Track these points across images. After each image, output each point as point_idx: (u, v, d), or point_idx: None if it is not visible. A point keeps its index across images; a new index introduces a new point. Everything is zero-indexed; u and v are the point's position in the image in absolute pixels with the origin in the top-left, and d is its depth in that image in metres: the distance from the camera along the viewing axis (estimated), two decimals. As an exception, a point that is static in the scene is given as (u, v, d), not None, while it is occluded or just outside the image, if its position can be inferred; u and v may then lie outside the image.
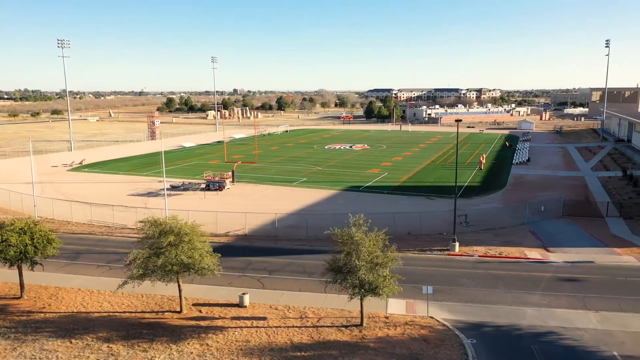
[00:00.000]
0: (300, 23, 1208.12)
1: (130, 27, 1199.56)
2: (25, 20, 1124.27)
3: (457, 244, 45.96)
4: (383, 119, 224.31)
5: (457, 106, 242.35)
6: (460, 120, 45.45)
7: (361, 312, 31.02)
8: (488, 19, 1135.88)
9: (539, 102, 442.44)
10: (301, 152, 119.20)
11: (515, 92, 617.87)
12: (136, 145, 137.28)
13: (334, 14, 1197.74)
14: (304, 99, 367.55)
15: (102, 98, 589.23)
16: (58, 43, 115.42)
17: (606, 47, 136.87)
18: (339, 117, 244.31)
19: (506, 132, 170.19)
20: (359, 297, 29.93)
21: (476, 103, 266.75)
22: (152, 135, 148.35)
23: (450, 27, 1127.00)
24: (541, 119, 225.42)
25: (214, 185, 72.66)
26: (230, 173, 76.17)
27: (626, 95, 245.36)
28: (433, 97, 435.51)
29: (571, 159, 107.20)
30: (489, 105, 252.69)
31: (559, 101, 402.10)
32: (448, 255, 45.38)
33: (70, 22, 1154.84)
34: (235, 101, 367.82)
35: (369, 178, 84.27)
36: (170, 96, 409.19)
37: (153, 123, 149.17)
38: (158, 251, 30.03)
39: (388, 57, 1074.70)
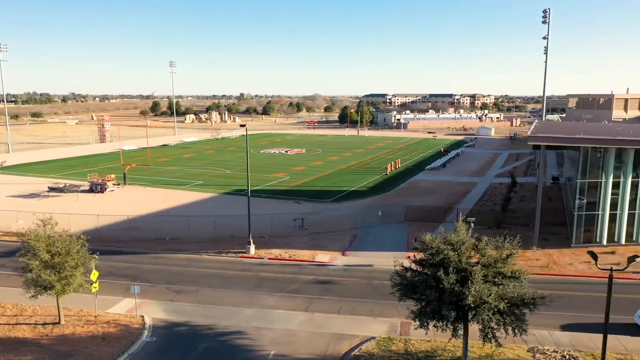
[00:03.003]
0: (306, 27, 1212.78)
1: (139, 31, 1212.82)
2: (31, 23, 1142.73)
3: (252, 246, 46.93)
4: (355, 123, 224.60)
5: (428, 112, 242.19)
6: (244, 125, 46.35)
7: (58, 310, 32.16)
8: (493, 22, 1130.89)
9: (533, 108, 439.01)
10: (231, 156, 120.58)
11: (516, 97, 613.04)
12: (82, 147, 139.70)
13: (338, 16, 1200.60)
14: (290, 104, 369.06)
15: (107, 101, 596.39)
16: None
17: (544, 53, 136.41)
18: (321, 122, 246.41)
19: (460, 137, 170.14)
20: (53, 296, 31.03)
21: (452, 109, 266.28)
22: (102, 138, 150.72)
23: (455, 30, 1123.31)
24: (512, 125, 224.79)
25: (97, 188, 74.15)
26: (113, 176, 77.65)
27: (600, 102, 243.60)
28: (428, 102, 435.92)
29: (490, 164, 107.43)
30: (461, 111, 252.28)
31: (550, 107, 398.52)
32: (241, 257, 46.39)
33: (76, 22, 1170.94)
34: (225, 105, 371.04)
35: (265, 182, 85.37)
36: (156, 100, 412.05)
37: (103, 126, 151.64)
38: None
39: (392, 61, 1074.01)
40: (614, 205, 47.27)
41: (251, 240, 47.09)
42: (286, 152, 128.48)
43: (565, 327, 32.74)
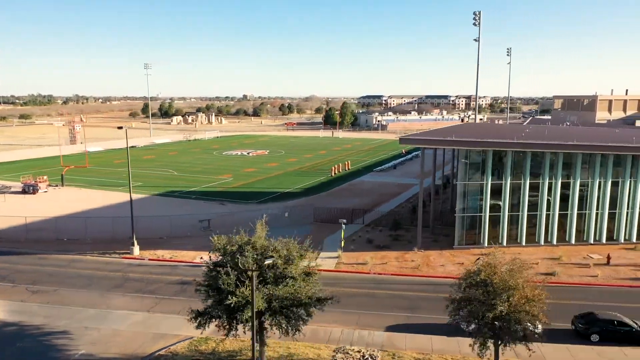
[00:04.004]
0: (305, 29, 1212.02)
1: (144, 33, 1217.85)
2: (39, 25, 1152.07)
3: (136, 247, 47.48)
4: (336, 125, 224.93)
5: (410, 113, 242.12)
6: (121, 127, 46.81)
7: None
8: (495, 23, 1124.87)
9: (530, 110, 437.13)
10: (191, 157, 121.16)
11: (517, 99, 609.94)
12: (50, 149, 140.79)
13: (338, 17, 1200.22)
14: (282, 105, 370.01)
15: (108, 103, 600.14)
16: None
17: (507, 55, 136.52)
18: (303, 124, 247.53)
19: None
20: None
21: (436, 111, 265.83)
22: (73, 140, 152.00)
23: (456, 32, 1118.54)
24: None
25: (29, 189, 74.99)
26: (45, 177, 78.49)
27: (585, 103, 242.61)
28: (424, 103, 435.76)
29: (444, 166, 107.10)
30: (444, 112, 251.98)
31: (546, 108, 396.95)
32: (123, 258, 46.96)
33: (80, 25, 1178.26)
34: (217, 107, 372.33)
35: (205, 183, 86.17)
36: (146, 101, 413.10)
37: (74, 128, 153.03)
38: None
39: (391, 62, 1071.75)
40: (495, 208, 47.38)
41: (135, 241, 47.66)
42: (248, 153, 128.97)
43: (391, 328, 32.99)
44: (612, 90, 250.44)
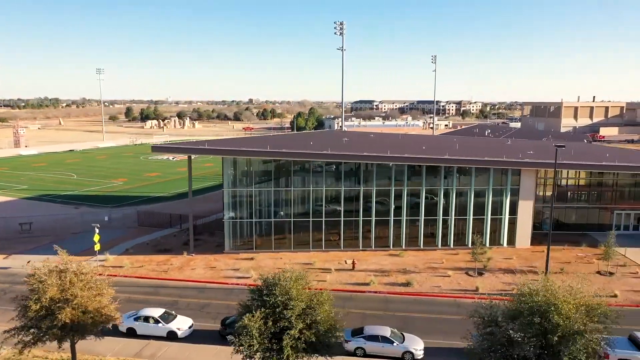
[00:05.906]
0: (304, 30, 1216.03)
1: (151, 36, 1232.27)
2: (44, 26, 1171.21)
3: None
4: (300, 130, 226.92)
5: (374, 119, 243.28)
6: None
7: None
8: (499, 26, 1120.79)
9: (524, 115, 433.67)
10: (111, 162, 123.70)
11: (519, 103, 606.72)
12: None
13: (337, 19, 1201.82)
14: (264, 110, 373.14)
15: (112, 106, 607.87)
16: None
17: (432, 62, 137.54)
18: (273, 128, 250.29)
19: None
20: None
21: (401, 117, 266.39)
22: (16, 143, 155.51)
23: (457, 36, 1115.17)
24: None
25: None
26: None
27: (551, 110, 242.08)
28: (415, 108, 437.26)
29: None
30: (409, 118, 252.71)
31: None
32: None
33: (87, 28, 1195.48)
34: (204, 111, 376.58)
35: (91, 186, 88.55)
36: (130, 105, 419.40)
37: (17, 132, 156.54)
38: None
39: (389, 67, 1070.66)
40: (264, 214, 48.89)
41: None
42: (173, 158, 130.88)
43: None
44: (578, 97, 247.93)
